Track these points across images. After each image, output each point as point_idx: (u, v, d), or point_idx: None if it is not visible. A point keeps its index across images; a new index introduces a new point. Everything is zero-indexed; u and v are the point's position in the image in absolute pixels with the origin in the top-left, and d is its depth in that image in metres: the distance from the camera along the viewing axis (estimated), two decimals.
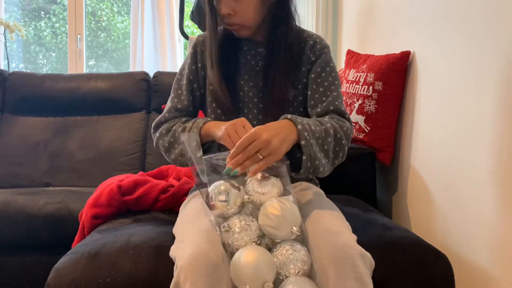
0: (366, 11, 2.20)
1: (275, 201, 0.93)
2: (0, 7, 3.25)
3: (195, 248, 0.90)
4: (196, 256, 0.88)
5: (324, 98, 1.18)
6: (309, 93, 1.21)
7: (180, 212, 1.20)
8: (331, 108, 1.16)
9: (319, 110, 1.17)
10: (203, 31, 2.61)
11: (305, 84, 1.23)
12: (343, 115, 1.17)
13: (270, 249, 0.94)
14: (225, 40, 1.24)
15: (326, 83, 1.20)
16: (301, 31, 1.26)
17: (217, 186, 0.96)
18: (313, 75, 1.21)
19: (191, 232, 0.98)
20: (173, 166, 1.77)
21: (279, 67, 1.18)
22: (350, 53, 2.06)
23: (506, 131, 1.13)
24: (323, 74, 1.21)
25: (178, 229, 1.10)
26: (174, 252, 1.00)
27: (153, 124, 1.26)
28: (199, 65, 1.26)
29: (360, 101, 1.78)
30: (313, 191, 1.20)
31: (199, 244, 0.91)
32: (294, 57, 1.20)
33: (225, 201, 0.93)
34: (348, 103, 1.86)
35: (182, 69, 1.29)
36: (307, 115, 1.22)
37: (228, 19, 1.14)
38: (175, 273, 0.91)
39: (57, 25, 3.85)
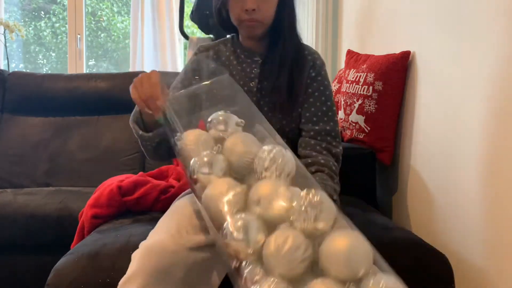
0: (366, 11, 2.20)
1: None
2: (0, 7, 3.25)
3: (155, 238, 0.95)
4: (151, 247, 0.93)
5: (325, 119, 1.23)
6: (312, 108, 1.23)
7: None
8: (328, 128, 1.22)
9: (317, 128, 1.21)
10: (203, 31, 2.61)
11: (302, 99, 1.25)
12: (335, 138, 1.22)
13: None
14: (230, 48, 1.29)
15: (327, 103, 1.24)
16: (302, 47, 1.28)
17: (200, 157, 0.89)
18: (316, 93, 1.24)
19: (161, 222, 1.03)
20: (173, 167, 1.76)
21: (273, 76, 1.22)
22: (350, 53, 2.06)
23: (507, 131, 1.13)
24: (327, 93, 1.25)
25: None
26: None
27: None
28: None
29: (360, 101, 1.78)
30: None
31: (161, 234, 0.95)
32: (289, 70, 1.23)
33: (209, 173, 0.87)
34: (348, 103, 1.86)
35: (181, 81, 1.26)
36: (297, 122, 1.24)
37: (251, 15, 1.16)
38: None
39: (57, 25, 3.85)
